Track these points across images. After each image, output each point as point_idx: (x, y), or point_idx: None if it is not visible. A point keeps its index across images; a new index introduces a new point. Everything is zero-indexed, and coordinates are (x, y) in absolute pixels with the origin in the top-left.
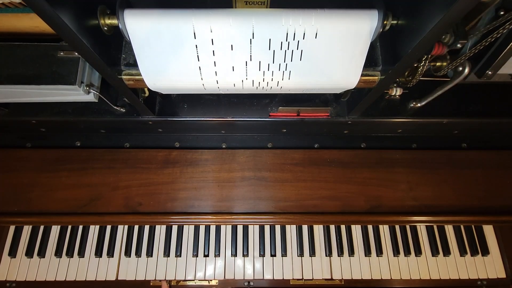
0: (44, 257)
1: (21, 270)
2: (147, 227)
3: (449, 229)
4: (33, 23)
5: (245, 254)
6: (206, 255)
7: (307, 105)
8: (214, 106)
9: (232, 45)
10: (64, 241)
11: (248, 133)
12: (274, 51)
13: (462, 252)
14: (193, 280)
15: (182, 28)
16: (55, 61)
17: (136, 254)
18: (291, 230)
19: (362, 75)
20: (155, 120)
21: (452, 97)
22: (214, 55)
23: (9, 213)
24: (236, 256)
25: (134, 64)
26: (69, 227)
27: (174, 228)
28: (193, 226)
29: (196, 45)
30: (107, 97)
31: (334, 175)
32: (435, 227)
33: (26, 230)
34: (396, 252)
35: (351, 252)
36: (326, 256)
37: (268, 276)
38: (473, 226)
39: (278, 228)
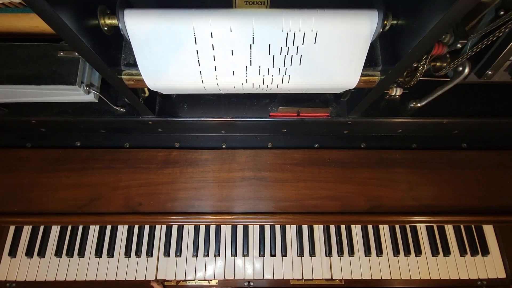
0: (44, 257)
1: (21, 270)
2: (147, 227)
3: (449, 229)
4: (33, 23)
5: (245, 254)
6: (206, 255)
7: (307, 105)
8: (214, 106)
9: (232, 50)
10: (64, 241)
11: (248, 133)
12: (274, 56)
13: (462, 252)
14: (193, 280)
15: (182, 28)
16: (55, 61)
17: (136, 254)
18: (291, 230)
19: (362, 75)
20: (155, 120)
21: (452, 97)
22: (213, 55)
23: (9, 213)
24: (236, 256)
25: (134, 64)
26: (69, 227)
27: (174, 228)
28: (193, 226)
29: (196, 45)
30: (107, 97)
31: (334, 175)
32: (435, 227)
33: (26, 230)
34: (396, 252)
35: (351, 252)
36: (326, 256)
37: (268, 276)
38: (473, 226)
39: (278, 228)
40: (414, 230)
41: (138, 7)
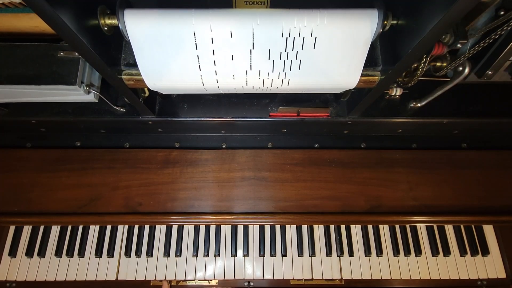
0: (44, 257)
1: (21, 270)
2: (147, 227)
3: (449, 229)
4: (33, 23)
5: (245, 254)
6: (206, 255)
7: (307, 105)
8: (214, 106)
9: (232, 55)
10: (64, 241)
11: (248, 133)
12: (273, 61)
13: (462, 252)
14: (193, 280)
15: (182, 28)
16: (55, 61)
17: (136, 254)
18: (291, 230)
19: (362, 75)
20: (155, 120)
21: (452, 97)
22: (214, 54)
23: (9, 213)
24: (236, 256)
25: (134, 64)
26: (69, 227)
27: (174, 228)
28: (193, 226)
29: (196, 45)
30: (107, 97)
31: (334, 175)
32: (435, 227)
33: (26, 230)
34: (396, 252)
35: (351, 252)
36: (326, 256)
37: (268, 276)
38: (473, 226)
39: (278, 228)
40: (414, 230)
41: (138, 7)
